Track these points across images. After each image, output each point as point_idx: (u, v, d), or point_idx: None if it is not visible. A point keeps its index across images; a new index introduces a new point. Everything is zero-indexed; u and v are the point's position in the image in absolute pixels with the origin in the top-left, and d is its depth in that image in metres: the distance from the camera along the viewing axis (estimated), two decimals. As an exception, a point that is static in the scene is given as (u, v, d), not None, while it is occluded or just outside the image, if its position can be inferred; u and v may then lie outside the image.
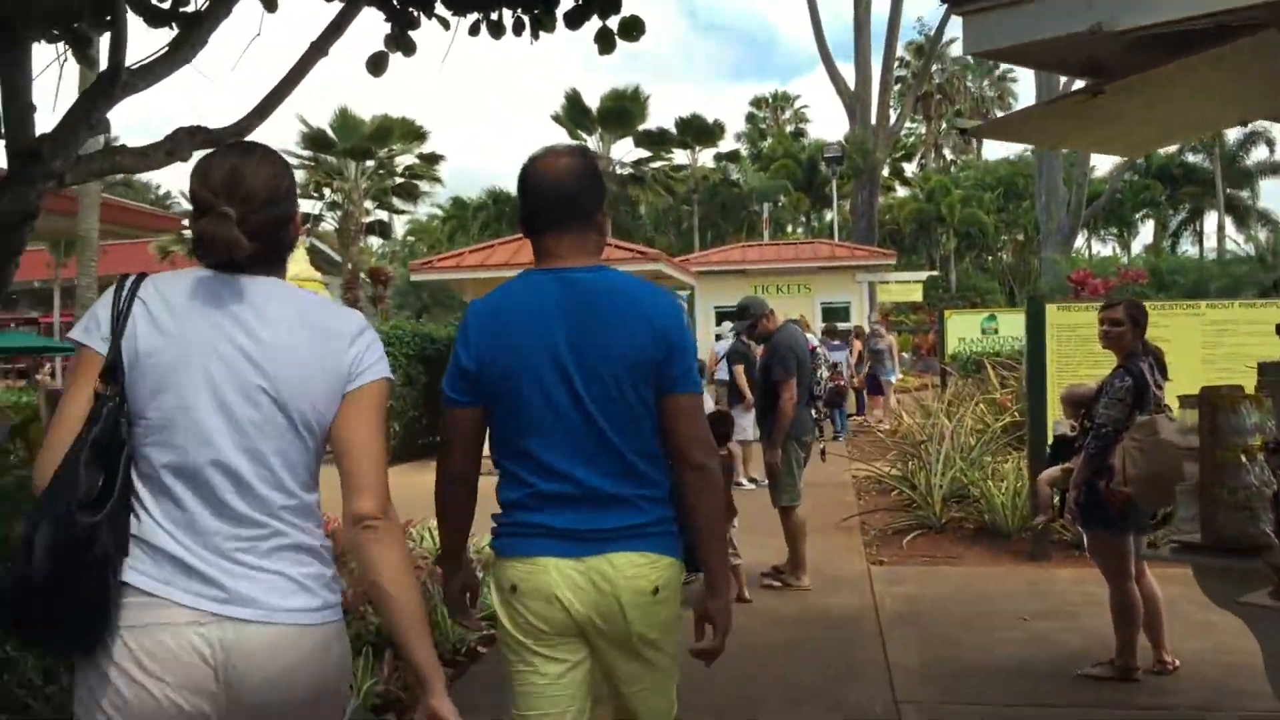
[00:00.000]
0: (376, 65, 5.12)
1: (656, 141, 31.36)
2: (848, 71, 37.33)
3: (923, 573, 7.54)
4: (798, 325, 7.71)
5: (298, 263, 17.65)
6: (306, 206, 25.85)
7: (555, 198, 2.44)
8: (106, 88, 3.88)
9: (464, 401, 2.43)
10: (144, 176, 44.56)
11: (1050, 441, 5.86)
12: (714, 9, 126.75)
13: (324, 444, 2.04)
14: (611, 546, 2.36)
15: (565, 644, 2.41)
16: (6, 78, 3.91)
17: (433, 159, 31.04)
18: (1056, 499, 5.31)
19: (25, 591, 1.83)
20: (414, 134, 28.19)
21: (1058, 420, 5.67)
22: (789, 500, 7.04)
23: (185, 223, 25.64)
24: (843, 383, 14.70)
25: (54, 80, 4.28)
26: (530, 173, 2.48)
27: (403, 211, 29.76)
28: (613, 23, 5.12)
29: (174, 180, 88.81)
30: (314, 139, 23.98)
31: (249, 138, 4.42)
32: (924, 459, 9.61)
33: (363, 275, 22.77)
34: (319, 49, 4.53)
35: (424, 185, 29.33)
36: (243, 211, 1.97)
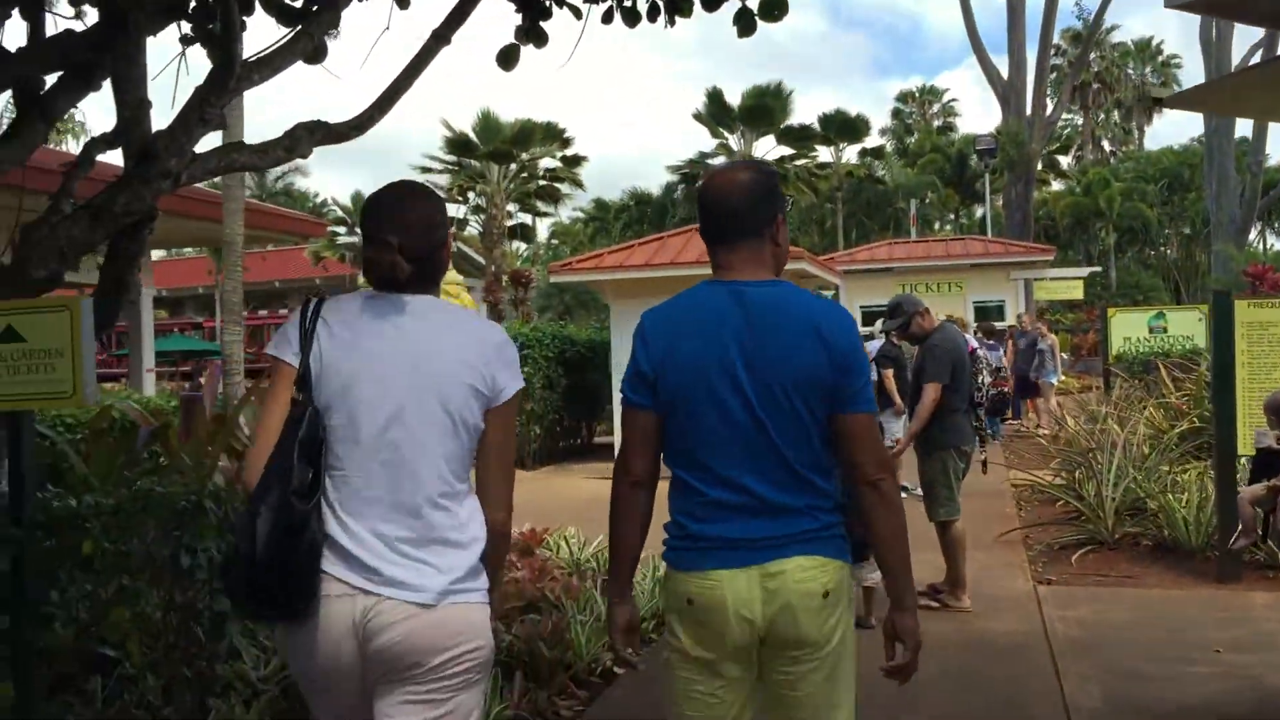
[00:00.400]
0: (507, 59, 4.88)
1: (799, 138, 30.65)
2: (1000, 63, 35.93)
3: (1096, 594, 6.92)
4: (955, 325, 7.17)
5: (440, 266, 17.73)
6: (451, 210, 26.19)
7: (726, 214, 2.50)
8: (220, 81, 3.70)
9: (643, 403, 2.49)
10: (303, 185, 46.07)
11: (1250, 454, 5.21)
12: (855, 4, 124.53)
13: (476, 441, 2.38)
14: (782, 552, 2.39)
15: (736, 657, 2.44)
16: (121, 72, 3.77)
17: (574, 161, 31.17)
18: (1260, 520, 4.70)
19: (250, 567, 2.21)
20: (555, 136, 28.31)
21: (1259, 430, 5.03)
22: (946, 514, 6.53)
23: (330, 229, 26.33)
24: (1007, 388, 13.79)
25: (171, 75, 4.11)
26: (706, 188, 2.57)
27: (545, 214, 29.93)
28: (752, 2, 4.74)
29: (331, 188, 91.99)
30: (457, 143, 24.18)
31: (369, 132, 4.22)
32: (1093, 467, 8.91)
33: (504, 278, 22.83)
34: (441, 38, 4.29)
35: (565, 188, 29.40)
36: (402, 240, 2.34)
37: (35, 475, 3.41)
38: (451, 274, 16.00)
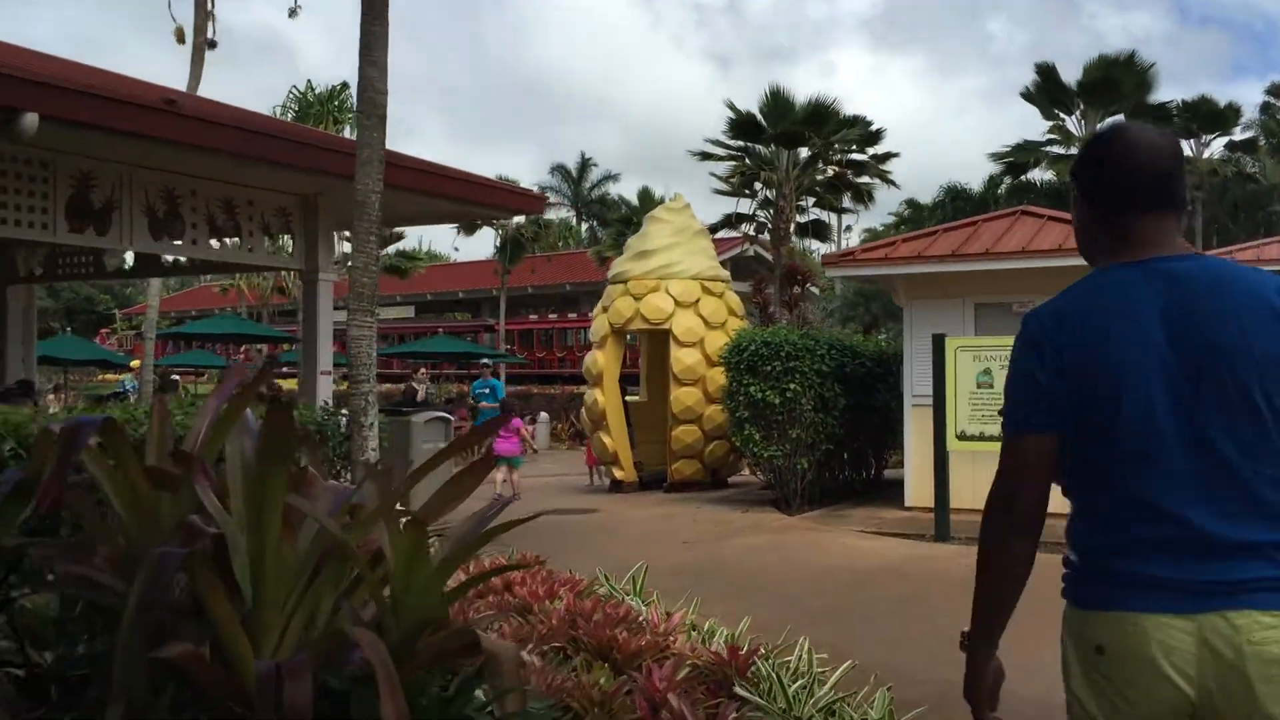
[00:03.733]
0: None
1: (1157, 119, 25.51)
2: None
3: None
4: None
5: (700, 258, 14.99)
6: (729, 206, 23.37)
7: (1161, 176, 2.09)
8: None
9: (1044, 424, 2.03)
10: (617, 192, 44.47)
11: None
12: (1207, 3, 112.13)
13: None
14: (1234, 601, 1.90)
15: None
16: None
17: (884, 158, 27.75)
18: None
19: None
20: (861, 128, 25.13)
21: None
22: None
23: (617, 224, 23.99)
24: None
25: None
26: (1125, 142, 2.12)
27: (846, 210, 26.55)
28: None
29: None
30: (742, 125, 21.29)
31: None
32: None
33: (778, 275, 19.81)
34: None
35: (869, 179, 26.03)
36: None
37: None
38: (713, 268, 13.19)
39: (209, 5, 13.57)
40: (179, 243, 8.98)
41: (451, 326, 42.74)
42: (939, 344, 10.05)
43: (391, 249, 36.60)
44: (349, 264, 6.84)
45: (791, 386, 11.82)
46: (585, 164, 41.79)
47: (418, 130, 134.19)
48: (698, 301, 14.31)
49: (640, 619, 5.92)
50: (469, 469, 4.31)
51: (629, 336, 15.91)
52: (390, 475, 4.53)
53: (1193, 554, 1.93)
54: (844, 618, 6.81)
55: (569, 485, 16.06)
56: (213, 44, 13.58)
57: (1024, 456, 2.05)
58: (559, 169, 41.73)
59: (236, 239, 9.56)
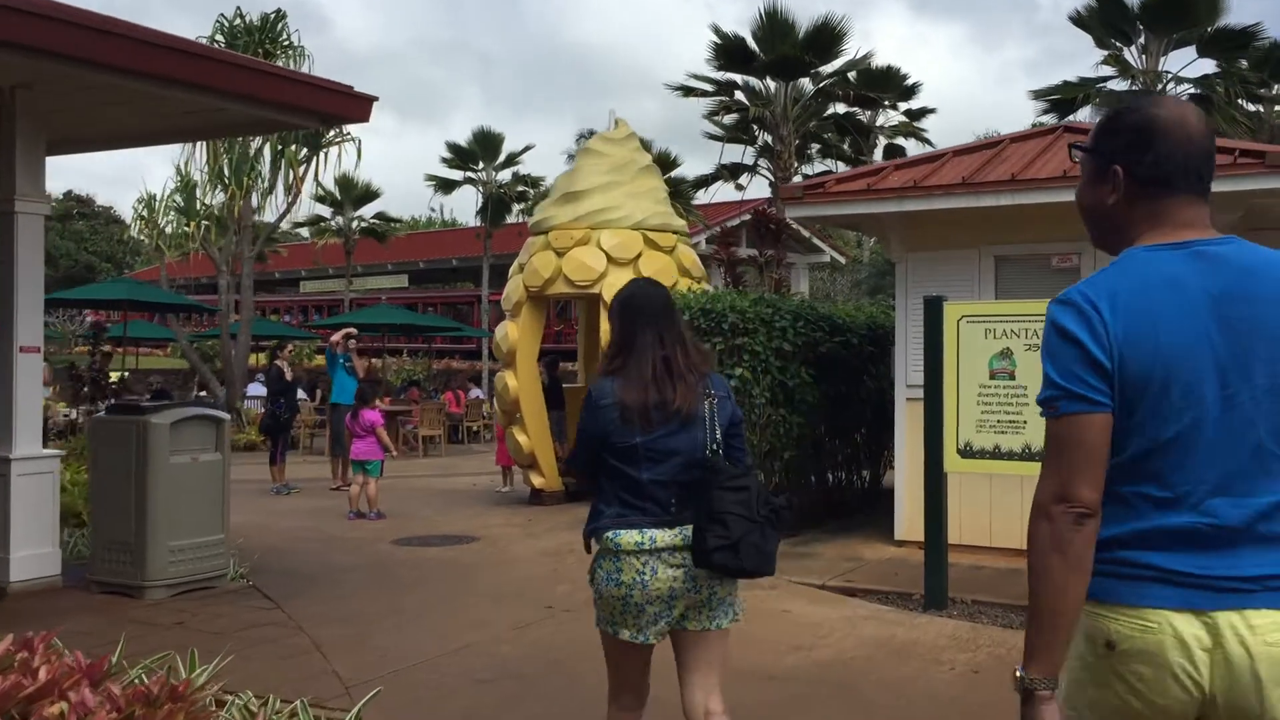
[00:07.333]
0: None
1: (1231, 48, 21.66)
2: None
3: None
4: None
5: (644, 202, 11.71)
6: (708, 157, 19.83)
7: (1201, 156, 1.98)
8: None
9: (1099, 403, 1.85)
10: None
11: None
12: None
13: None
14: (1254, 600, 1.80)
15: None
16: None
17: (919, 114, 24.30)
18: None
19: None
20: (895, 85, 21.68)
21: None
22: None
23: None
24: None
25: None
26: (1169, 121, 1.97)
27: (860, 161, 23.04)
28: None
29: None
30: (730, 52, 17.74)
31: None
32: None
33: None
34: None
35: (900, 139, 22.60)
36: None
37: None
38: (667, 216, 9.84)
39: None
40: None
41: (445, 297, 39.65)
42: (934, 311, 6.69)
43: (368, 210, 33.49)
44: None
45: (739, 372, 8.50)
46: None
47: (455, 98, 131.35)
48: (639, 257, 10.97)
49: None
50: None
51: (557, 304, 12.62)
52: None
53: (1214, 548, 1.82)
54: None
55: (484, 491, 12.87)
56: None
57: (1079, 440, 1.84)
58: (586, 135, 38.22)
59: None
